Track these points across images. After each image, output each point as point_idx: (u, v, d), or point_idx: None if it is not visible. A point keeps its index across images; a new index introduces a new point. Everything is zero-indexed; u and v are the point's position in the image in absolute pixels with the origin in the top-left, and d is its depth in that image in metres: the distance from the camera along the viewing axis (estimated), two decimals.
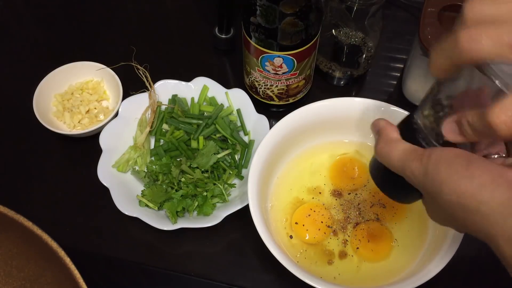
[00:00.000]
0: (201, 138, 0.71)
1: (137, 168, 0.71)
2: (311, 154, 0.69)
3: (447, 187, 0.39)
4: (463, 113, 0.38)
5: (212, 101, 0.75)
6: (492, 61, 0.35)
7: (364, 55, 0.75)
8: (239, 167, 0.71)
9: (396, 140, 0.45)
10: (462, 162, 0.38)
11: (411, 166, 0.41)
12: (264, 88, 0.71)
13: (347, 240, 0.63)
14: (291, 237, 0.64)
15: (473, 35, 0.34)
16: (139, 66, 0.74)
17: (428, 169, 0.40)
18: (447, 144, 0.42)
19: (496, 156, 0.45)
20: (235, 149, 0.72)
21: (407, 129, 0.46)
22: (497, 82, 0.35)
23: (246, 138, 0.73)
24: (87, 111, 0.76)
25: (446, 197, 0.39)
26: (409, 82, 0.75)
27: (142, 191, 0.68)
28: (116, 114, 0.73)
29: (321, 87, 0.79)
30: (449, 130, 0.40)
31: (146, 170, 0.70)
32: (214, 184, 0.68)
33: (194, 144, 0.71)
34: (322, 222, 0.64)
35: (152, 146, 0.73)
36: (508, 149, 0.45)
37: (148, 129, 0.72)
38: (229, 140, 0.72)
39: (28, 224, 0.56)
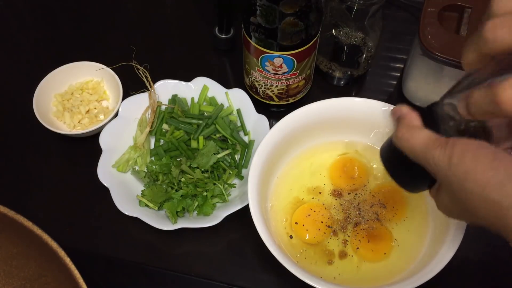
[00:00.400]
0: (201, 138, 0.71)
1: (137, 168, 0.71)
2: (311, 154, 0.69)
3: (471, 177, 0.39)
4: (471, 91, 0.39)
5: (212, 101, 0.75)
6: None
7: (364, 55, 0.75)
8: (239, 167, 0.71)
9: (418, 126, 0.45)
10: (488, 154, 0.39)
11: (434, 154, 0.42)
12: (264, 88, 0.71)
13: (347, 240, 0.63)
14: (291, 237, 0.64)
15: (497, 25, 0.37)
16: (139, 66, 0.74)
17: (453, 158, 0.40)
18: (466, 134, 0.43)
19: None
20: (235, 149, 0.72)
21: (428, 118, 0.46)
22: None
23: (246, 138, 0.73)
24: (87, 111, 0.76)
25: (469, 186, 0.39)
26: (409, 82, 0.75)
27: (142, 191, 0.68)
28: (116, 114, 0.73)
29: (321, 87, 0.79)
30: (462, 107, 0.41)
31: (146, 170, 0.70)
32: (214, 184, 0.68)
33: (194, 144, 0.71)
34: (322, 222, 0.64)
35: (152, 146, 0.73)
36: None
37: (148, 129, 0.72)
38: (229, 140, 0.72)
39: (28, 224, 0.56)
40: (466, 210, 0.43)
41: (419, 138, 0.44)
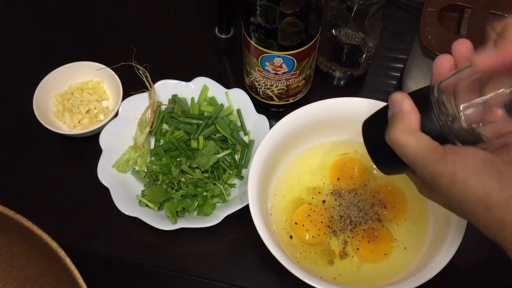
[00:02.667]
0: (201, 138, 0.71)
1: (137, 168, 0.71)
2: (311, 154, 0.69)
3: (475, 197, 0.39)
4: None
5: (212, 101, 0.75)
6: None
7: (364, 55, 0.75)
8: (239, 167, 0.71)
9: (416, 131, 0.42)
10: (492, 173, 0.39)
11: (432, 169, 0.41)
12: (264, 88, 0.71)
13: (347, 241, 0.63)
14: (291, 237, 0.64)
15: None
16: (139, 66, 0.74)
17: (456, 177, 0.39)
18: (463, 127, 0.42)
19: None
20: (235, 149, 0.72)
21: (425, 108, 0.43)
22: None
23: (246, 138, 0.73)
24: (87, 111, 0.76)
25: (473, 204, 0.39)
26: (409, 82, 0.75)
27: (142, 191, 0.68)
28: (116, 114, 0.73)
29: (321, 87, 0.79)
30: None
31: (146, 170, 0.70)
32: (214, 184, 0.68)
33: (194, 144, 0.71)
34: (322, 222, 0.64)
35: (152, 146, 0.73)
36: None
37: (148, 129, 0.72)
38: (229, 140, 0.72)
39: (28, 224, 0.56)
40: (460, 212, 0.43)
41: (415, 146, 0.41)
